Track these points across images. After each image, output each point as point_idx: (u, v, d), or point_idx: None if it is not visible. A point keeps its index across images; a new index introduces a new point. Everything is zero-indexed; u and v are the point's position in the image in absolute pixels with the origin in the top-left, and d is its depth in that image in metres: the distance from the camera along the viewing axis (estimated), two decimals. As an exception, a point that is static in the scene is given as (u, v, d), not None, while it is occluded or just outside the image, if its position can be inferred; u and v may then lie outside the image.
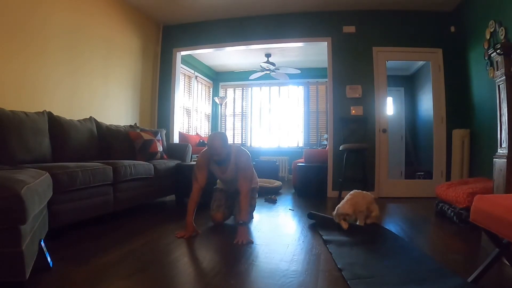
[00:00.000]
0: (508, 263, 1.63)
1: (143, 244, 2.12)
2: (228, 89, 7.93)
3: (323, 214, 2.85)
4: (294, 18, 4.66)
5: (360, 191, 2.75)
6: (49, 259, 1.61)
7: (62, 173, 2.15)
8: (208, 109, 7.64)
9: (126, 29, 4.39)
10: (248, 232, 2.30)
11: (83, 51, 3.63)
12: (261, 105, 7.71)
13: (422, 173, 5.08)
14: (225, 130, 7.83)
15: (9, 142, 2.31)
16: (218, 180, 2.89)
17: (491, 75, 3.33)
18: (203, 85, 7.31)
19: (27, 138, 2.46)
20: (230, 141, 3.02)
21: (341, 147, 4.24)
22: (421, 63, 5.75)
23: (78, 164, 2.39)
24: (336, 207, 2.60)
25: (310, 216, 2.82)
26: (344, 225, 2.48)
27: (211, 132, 7.61)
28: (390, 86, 4.82)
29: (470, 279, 1.48)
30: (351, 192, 2.72)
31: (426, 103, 5.60)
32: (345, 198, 2.67)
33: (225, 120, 7.91)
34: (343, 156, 4.18)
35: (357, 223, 2.61)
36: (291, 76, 6.91)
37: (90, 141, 3.17)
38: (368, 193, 2.76)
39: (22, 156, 2.39)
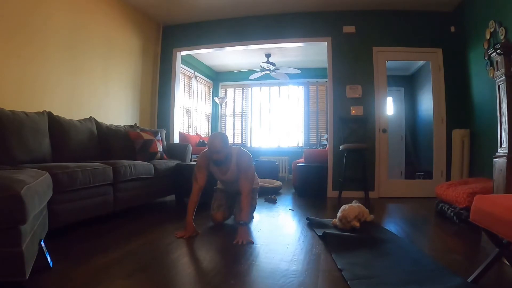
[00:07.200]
0: (508, 263, 1.63)
1: (143, 244, 2.12)
2: (228, 89, 7.93)
3: (320, 219, 2.83)
4: (294, 18, 4.65)
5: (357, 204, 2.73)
6: (49, 259, 1.61)
7: (62, 173, 2.15)
8: (208, 109, 7.63)
9: (126, 29, 4.39)
10: (248, 232, 2.30)
11: (83, 51, 3.62)
12: (261, 105, 7.71)
13: (422, 173, 5.08)
14: (225, 130, 7.83)
15: (9, 142, 2.31)
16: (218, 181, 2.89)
17: (491, 75, 3.33)
18: (203, 85, 7.31)
19: (27, 138, 2.46)
20: (230, 141, 3.01)
21: (341, 147, 4.23)
22: (421, 63, 5.74)
23: (78, 164, 2.39)
24: (342, 216, 2.54)
25: (308, 220, 2.82)
26: (357, 224, 2.48)
27: (211, 132, 7.62)
28: (390, 86, 4.81)
29: (470, 279, 1.48)
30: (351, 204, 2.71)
31: (426, 103, 5.60)
32: (346, 207, 2.62)
33: (225, 120, 7.91)
34: (343, 156, 4.18)
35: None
36: (291, 76, 6.90)
37: (90, 141, 3.17)
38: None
39: (22, 156, 2.39)
